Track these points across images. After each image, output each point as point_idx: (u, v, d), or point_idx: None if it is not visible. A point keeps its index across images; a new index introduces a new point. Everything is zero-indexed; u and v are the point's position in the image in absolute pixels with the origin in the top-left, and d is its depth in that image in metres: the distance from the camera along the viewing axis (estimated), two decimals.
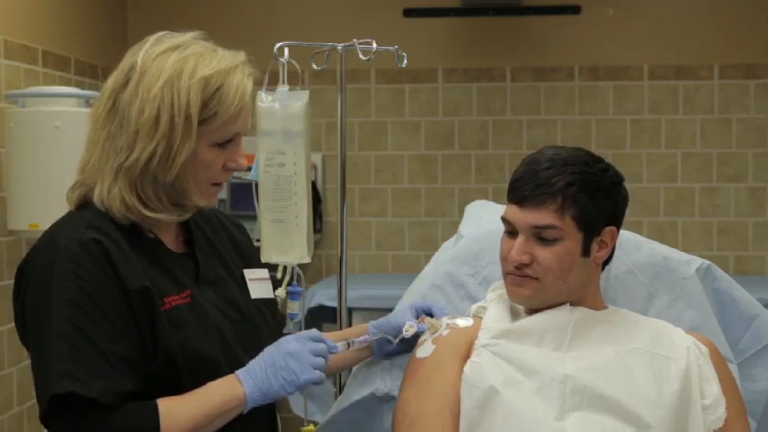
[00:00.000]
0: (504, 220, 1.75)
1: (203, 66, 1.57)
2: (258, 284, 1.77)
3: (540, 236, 1.69)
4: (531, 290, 1.72)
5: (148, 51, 1.58)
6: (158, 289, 1.55)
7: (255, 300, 1.74)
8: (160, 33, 1.63)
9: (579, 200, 1.68)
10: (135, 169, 1.55)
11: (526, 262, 1.70)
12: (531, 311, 1.77)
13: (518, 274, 1.72)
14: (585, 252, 1.72)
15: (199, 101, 1.55)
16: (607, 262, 1.81)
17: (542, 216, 1.68)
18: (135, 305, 1.51)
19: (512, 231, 1.73)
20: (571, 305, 1.75)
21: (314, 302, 3.96)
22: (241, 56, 1.63)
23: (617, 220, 1.77)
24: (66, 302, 1.47)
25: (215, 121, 1.58)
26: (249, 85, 1.62)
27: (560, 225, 1.68)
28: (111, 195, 1.55)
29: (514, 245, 1.71)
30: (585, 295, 1.77)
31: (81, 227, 1.53)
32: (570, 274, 1.71)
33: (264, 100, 2.03)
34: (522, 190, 1.70)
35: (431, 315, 1.84)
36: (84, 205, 1.59)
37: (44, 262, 1.52)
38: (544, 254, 1.69)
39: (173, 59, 1.56)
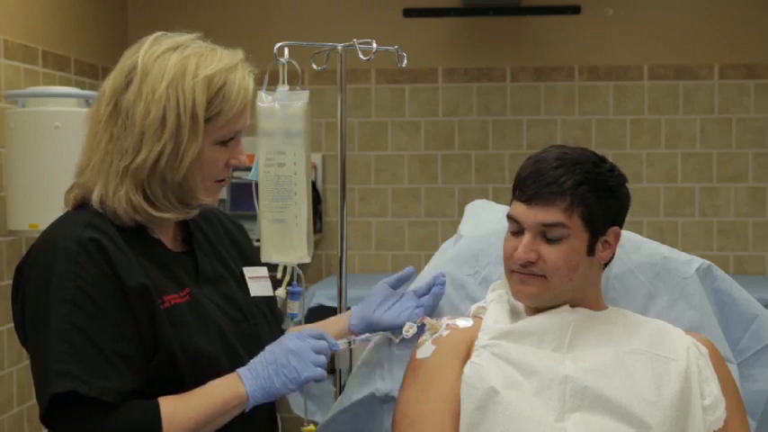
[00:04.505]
0: (509, 218, 1.74)
1: (205, 65, 1.57)
2: (257, 282, 1.77)
3: (547, 234, 1.69)
4: (538, 288, 1.71)
5: (148, 52, 1.57)
6: (157, 288, 1.55)
7: (255, 298, 1.75)
8: (157, 34, 1.62)
9: (587, 199, 1.68)
10: (143, 170, 1.55)
11: (533, 260, 1.69)
12: (532, 312, 1.77)
13: (524, 273, 1.71)
14: (591, 252, 1.72)
15: (204, 100, 1.56)
16: (608, 262, 1.81)
17: (551, 214, 1.68)
18: (134, 304, 1.51)
19: (517, 230, 1.73)
20: (571, 305, 1.75)
21: (314, 302, 3.96)
22: (240, 54, 1.64)
23: (621, 221, 1.77)
24: (66, 302, 1.47)
25: (219, 119, 1.58)
26: (251, 82, 1.63)
27: (568, 223, 1.68)
28: (117, 197, 1.55)
29: (520, 243, 1.70)
30: (587, 295, 1.77)
31: (79, 226, 1.53)
32: (576, 272, 1.71)
33: (264, 100, 2.02)
34: (530, 188, 1.69)
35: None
36: (81, 206, 1.59)
37: (43, 262, 1.52)
38: (551, 252, 1.69)
39: (174, 59, 1.56)
